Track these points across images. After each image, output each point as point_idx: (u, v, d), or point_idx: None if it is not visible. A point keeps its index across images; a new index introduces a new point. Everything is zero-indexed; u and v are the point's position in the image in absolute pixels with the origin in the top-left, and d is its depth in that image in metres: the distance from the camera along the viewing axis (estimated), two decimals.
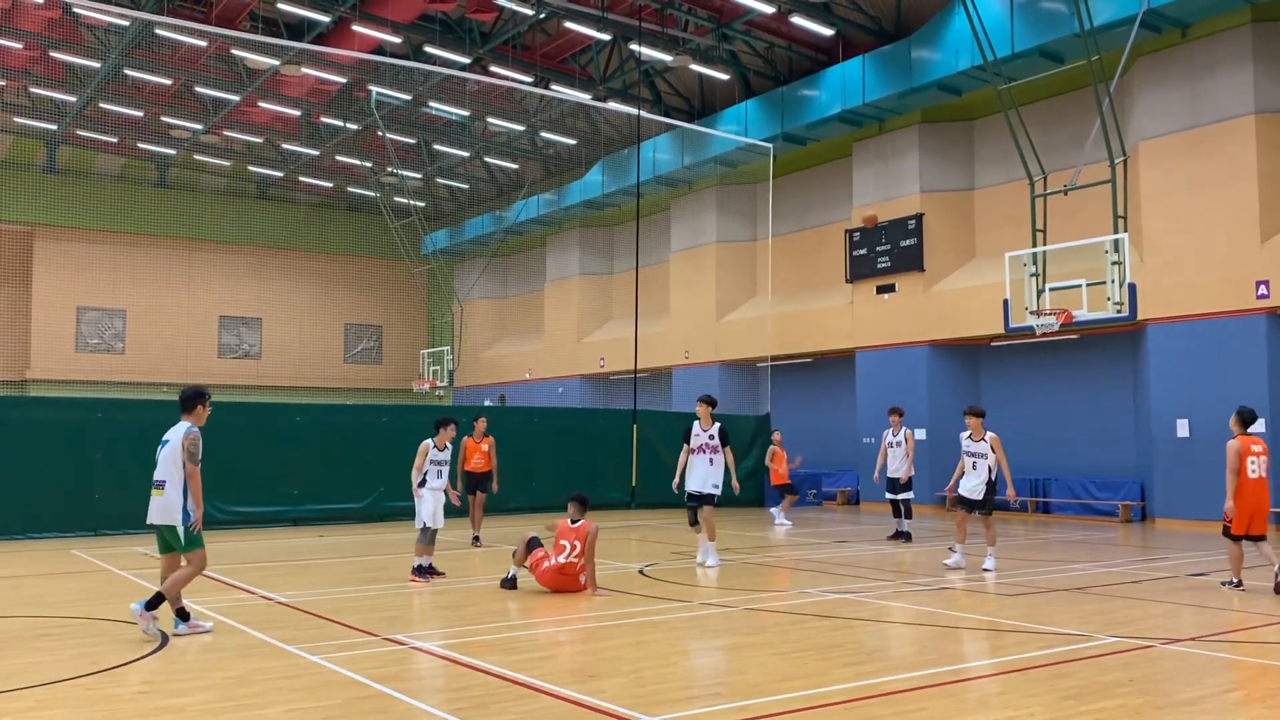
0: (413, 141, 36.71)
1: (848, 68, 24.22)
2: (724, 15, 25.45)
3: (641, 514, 21.70)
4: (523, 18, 25.88)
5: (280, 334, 42.62)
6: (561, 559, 10.24)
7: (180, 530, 8.04)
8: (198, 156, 38.70)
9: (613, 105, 29.33)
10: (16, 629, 8.52)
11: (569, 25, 25.86)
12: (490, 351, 41.73)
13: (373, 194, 38.94)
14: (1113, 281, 16.14)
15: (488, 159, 38.94)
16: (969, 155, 24.36)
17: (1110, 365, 21.79)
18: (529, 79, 28.71)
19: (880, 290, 24.97)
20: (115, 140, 36.11)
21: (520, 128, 33.32)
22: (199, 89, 30.88)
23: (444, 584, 11.21)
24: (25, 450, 16.58)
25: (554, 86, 29.38)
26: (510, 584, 10.62)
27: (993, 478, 12.61)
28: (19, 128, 35.78)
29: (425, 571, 11.24)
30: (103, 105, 32.11)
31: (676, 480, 12.66)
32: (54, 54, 28.38)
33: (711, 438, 12.55)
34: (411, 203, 39.83)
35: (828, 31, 25.02)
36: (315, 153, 37.15)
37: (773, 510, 20.80)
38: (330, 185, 41.58)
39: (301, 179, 40.54)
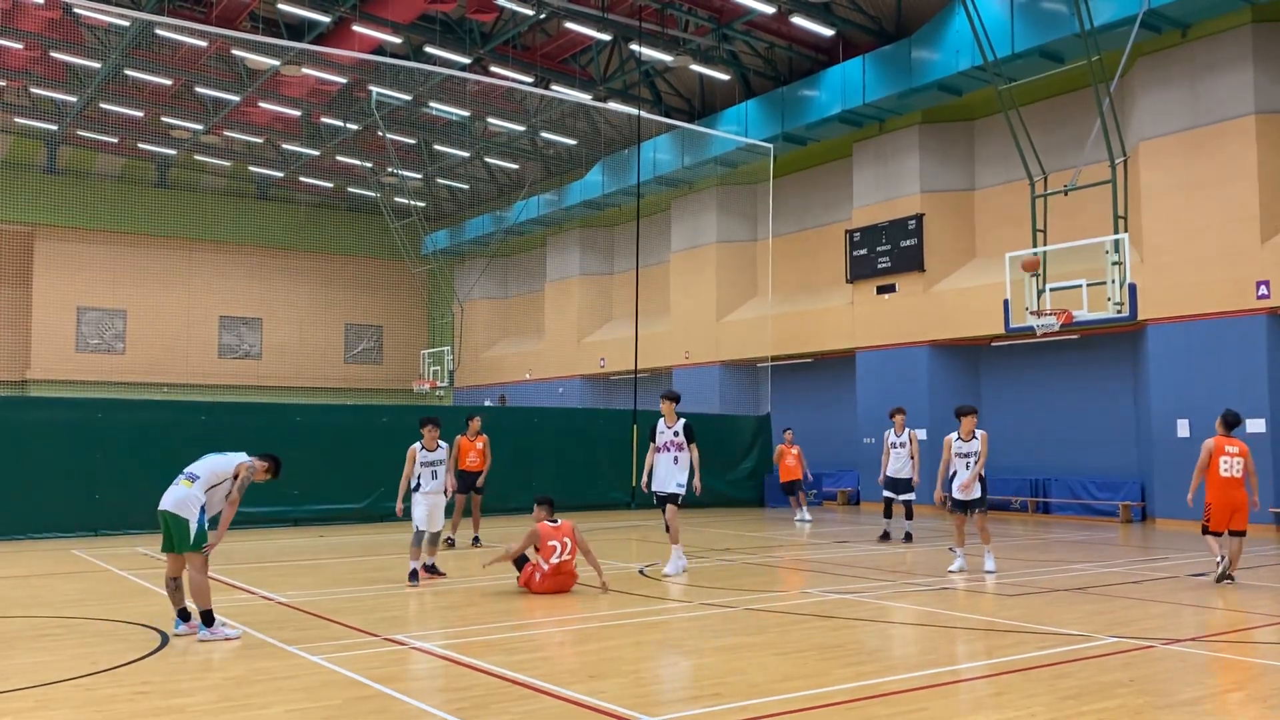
0: (413, 142, 36.71)
1: (848, 68, 24.22)
2: (724, 15, 25.45)
3: (641, 514, 21.69)
4: (523, 18, 25.88)
5: (280, 334, 42.63)
6: (555, 559, 10.24)
7: (192, 528, 7.98)
8: (198, 157, 38.69)
9: (613, 105, 29.33)
10: (16, 629, 8.53)
11: (569, 25, 25.85)
12: (490, 352, 41.73)
13: (373, 194, 38.94)
14: (1113, 281, 16.14)
15: (488, 159, 38.94)
16: (969, 155, 24.36)
17: (1110, 365, 21.79)
18: (529, 79, 28.71)
19: (880, 290, 24.97)
20: (115, 140, 36.10)
21: (520, 128, 33.32)
22: (199, 89, 30.88)
23: (444, 584, 11.22)
24: (25, 450, 16.58)
25: (554, 87, 29.38)
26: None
27: (982, 476, 12.37)
28: (19, 128, 35.77)
29: (429, 570, 11.28)
30: (103, 105, 32.11)
31: (645, 480, 12.21)
32: (54, 54, 28.38)
33: (676, 434, 12.04)
34: (412, 203, 39.84)
35: (828, 32, 25.02)
36: (315, 153, 37.15)
37: (802, 514, 20.62)
38: (330, 185, 41.58)
39: (302, 179, 40.53)
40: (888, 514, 16.21)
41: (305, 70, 28.41)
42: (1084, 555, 14.25)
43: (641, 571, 12.31)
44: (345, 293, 44.25)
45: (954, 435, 12.51)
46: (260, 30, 26.44)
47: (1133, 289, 16.25)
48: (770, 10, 23.60)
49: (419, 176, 40.20)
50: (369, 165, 38.64)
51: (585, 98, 27.97)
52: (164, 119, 33.97)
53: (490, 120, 33.12)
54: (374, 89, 29.99)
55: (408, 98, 30.76)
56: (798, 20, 24.03)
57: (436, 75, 27.63)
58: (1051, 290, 17.14)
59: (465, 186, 42.23)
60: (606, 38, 27.05)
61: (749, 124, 27.04)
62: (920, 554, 14.41)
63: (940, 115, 24.20)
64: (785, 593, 10.65)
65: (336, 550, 14.97)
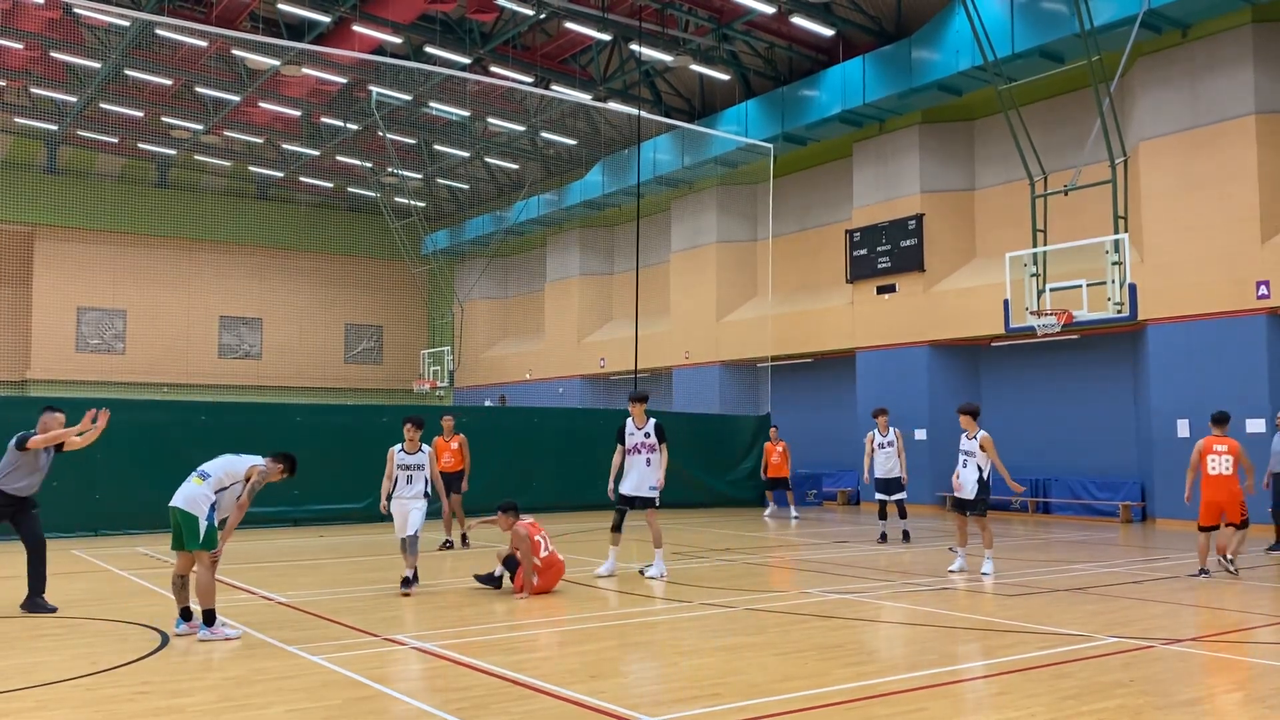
0: (413, 142, 36.72)
1: (848, 68, 24.22)
2: (724, 15, 25.45)
3: (642, 514, 21.65)
4: (523, 18, 25.88)
5: (280, 334, 42.63)
6: (544, 554, 10.32)
7: (201, 526, 7.93)
8: (198, 157, 38.69)
9: (613, 105, 29.33)
10: (16, 629, 8.52)
11: (569, 25, 25.85)
12: (490, 352, 41.74)
13: (373, 194, 38.95)
14: (1113, 282, 16.15)
15: (488, 159, 38.94)
16: (969, 155, 24.36)
17: (1110, 365, 21.79)
18: (529, 79, 28.71)
19: (880, 290, 24.97)
20: (115, 140, 36.10)
21: (520, 128, 33.32)
22: (199, 89, 30.88)
23: (444, 584, 11.20)
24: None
25: (554, 87, 29.38)
26: (491, 581, 10.57)
27: (984, 477, 12.14)
28: (19, 128, 35.76)
29: (407, 582, 10.43)
30: (103, 105, 32.11)
31: (611, 485, 11.70)
32: (54, 54, 28.38)
33: (648, 435, 11.72)
34: (412, 203, 39.84)
35: (828, 32, 25.02)
36: (315, 153, 37.15)
37: (773, 509, 21.01)
38: (330, 185, 41.58)
39: (302, 179, 40.53)
40: (883, 515, 16.12)
41: (305, 70, 28.41)
42: (1084, 555, 14.25)
43: (641, 572, 12.30)
44: (345, 293, 44.25)
45: (965, 432, 12.57)
46: (260, 30, 26.44)
47: (1133, 289, 16.25)
48: (770, 10, 23.60)
49: (419, 176, 40.20)
50: (369, 165, 38.64)
51: (585, 98, 27.97)
52: (164, 119, 33.98)
53: (490, 120, 33.12)
54: (374, 89, 30.00)
55: (408, 98, 30.76)
56: (798, 20, 24.04)
57: (436, 75, 27.63)
58: (1051, 290, 17.14)
59: (465, 186, 42.23)
60: (606, 38, 27.04)
61: (749, 124, 27.04)
62: (920, 554, 14.41)
63: (940, 115, 24.20)
64: (785, 593, 10.65)
65: (336, 550, 14.97)
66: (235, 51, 27.88)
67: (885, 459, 15.94)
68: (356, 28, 25.36)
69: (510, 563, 10.42)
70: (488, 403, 37.01)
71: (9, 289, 37.22)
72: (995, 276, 21.07)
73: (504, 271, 42.36)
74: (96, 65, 28.57)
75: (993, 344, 23.79)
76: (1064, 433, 22.41)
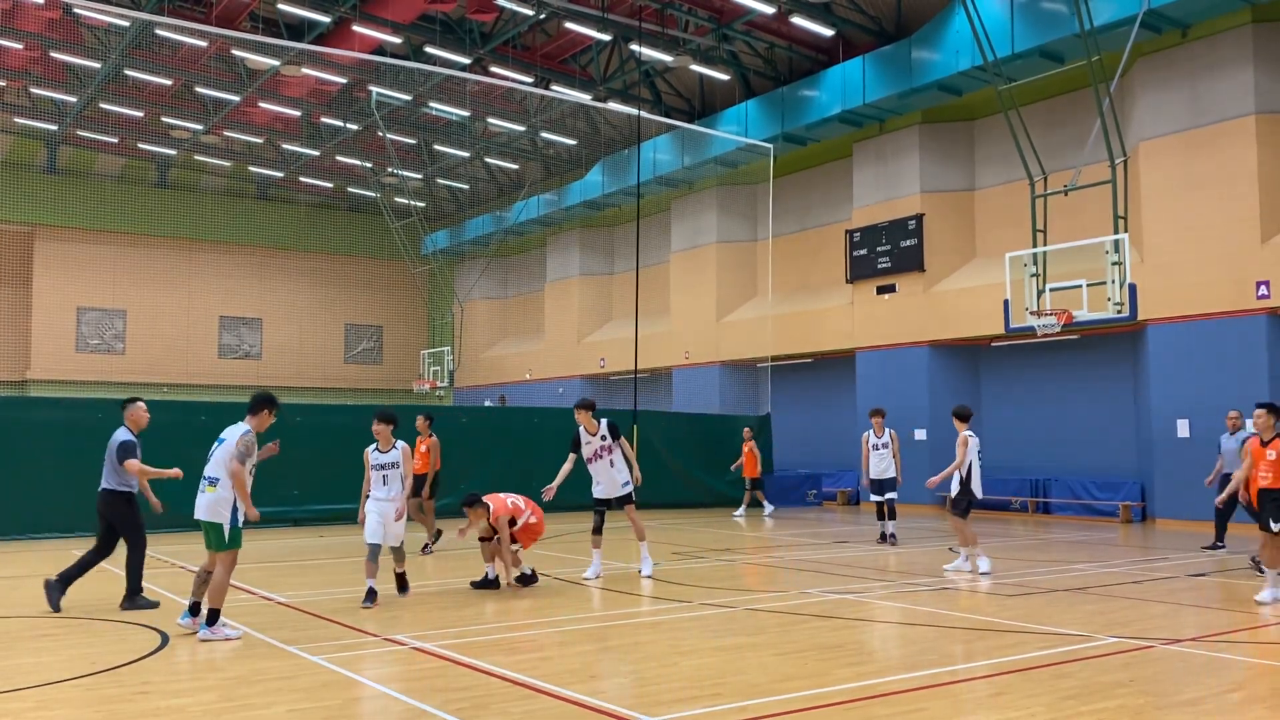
0: (413, 142, 36.72)
1: (848, 68, 24.22)
2: (724, 15, 25.45)
3: (641, 514, 21.65)
4: (523, 18, 25.88)
5: (280, 334, 42.63)
6: (523, 520, 10.76)
7: (226, 529, 8.04)
8: (198, 157, 38.70)
9: (613, 105, 29.33)
10: (16, 629, 8.53)
11: (569, 25, 25.86)
12: (490, 352, 41.73)
13: (373, 194, 38.94)
14: (1113, 282, 16.15)
15: (488, 159, 38.95)
16: (969, 155, 24.37)
17: (1110, 365, 21.79)
18: (529, 79, 28.71)
19: (880, 290, 24.97)
20: (115, 140, 36.10)
21: (520, 128, 33.32)
22: (199, 89, 30.88)
23: (445, 584, 11.20)
24: (25, 450, 16.56)
25: (554, 87, 29.38)
26: (487, 584, 10.63)
27: (964, 476, 12.22)
28: (19, 128, 35.77)
29: (369, 596, 9.54)
30: (103, 105, 32.11)
31: (554, 487, 11.44)
32: (54, 54, 28.38)
33: (604, 439, 11.63)
34: (412, 203, 39.84)
35: (828, 32, 25.02)
36: (315, 153, 37.15)
37: (740, 512, 21.38)
38: (330, 185, 41.58)
39: (302, 179, 40.54)
40: (880, 516, 16.09)
41: (305, 70, 28.41)
42: (1084, 555, 14.25)
43: (639, 572, 12.29)
44: (345, 293, 44.25)
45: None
46: (260, 30, 26.44)
47: (1133, 289, 16.25)
48: (770, 10, 23.60)
49: (419, 176, 40.20)
50: (369, 165, 38.64)
51: (585, 98, 27.96)
52: (164, 119, 33.98)
53: (490, 120, 33.13)
54: (374, 89, 30.00)
55: (408, 98, 30.76)
56: (798, 20, 24.04)
57: (436, 75, 27.63)
58: (1051, 290, 17.14)
59: (465, 186, 42.23)
60: (606, 38, 27.05)
61: (749, 124, 27.04)
62: (920, 554, 14.41)
63: (940, 115, 24.20)
64: (785, 593, 10.65)
65: (336, 550, 14.96)
66: (235, 51, 27.88)
67: (879, 459, 15.88)
68: (356, 28, 25.36)
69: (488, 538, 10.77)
70: (488, 403, 37.01)
71: (9, 289, 37.22)
72: (995, 276, 21.07)
73: (504, 271, 42.35)
74: (96, 65, 28.57)
75: (993, 344, 23.79)
76: (1064, 433, 22.41)
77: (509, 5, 24.53)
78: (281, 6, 24.31)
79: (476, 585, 10.74)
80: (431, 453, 14.57)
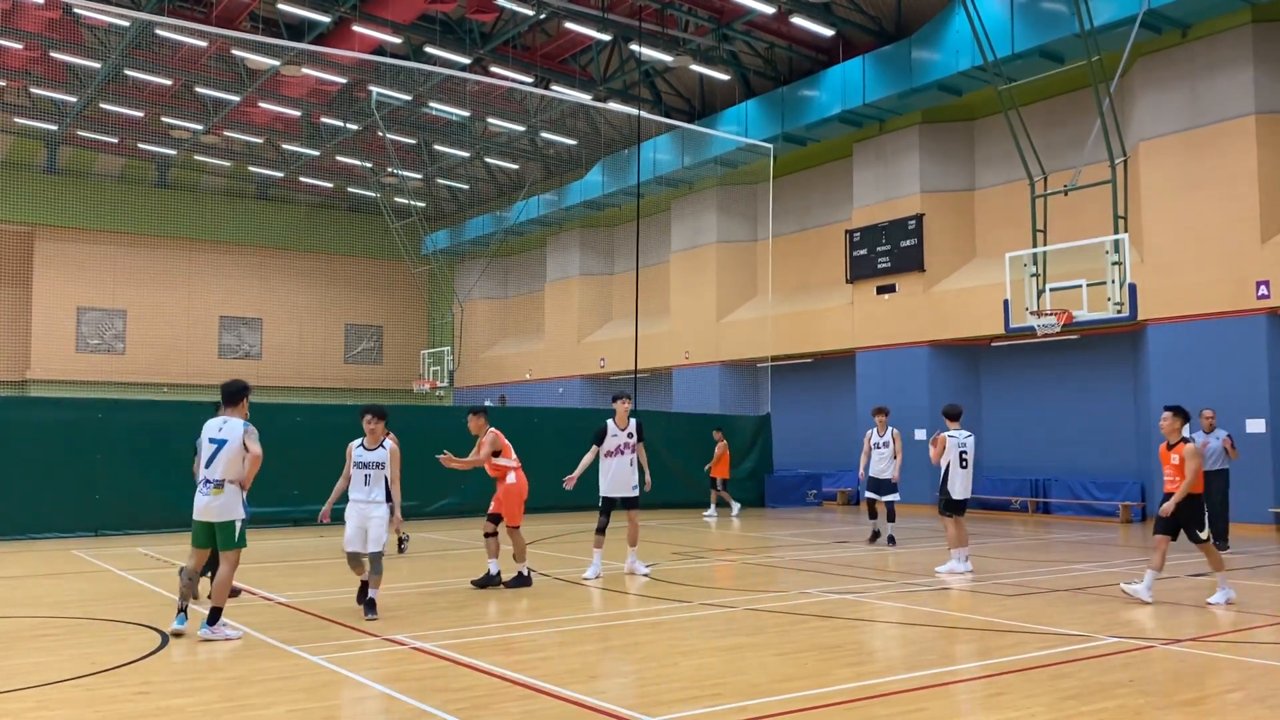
0: (413, 142, 36.71)
1: (848, 68, 24.22)
2: (724, 15, 25.45)
3: (641, 514, 21.66)
4: (523, 18, 25.88)
5: (280, 334, 42.63)
6: (509, 467, 11.09)
7: (238, 527, 8.11)
8: (198, 157, 38.70)
9: (613, 105, 29.33)
10: (16, 629, 8.52)
11: (569, 25, 25.86)
12: (490, 352, 41.73)
13: (373, 194, 38.95)
14: (1113, 282, 16.14)
15: (488, 159, 38.94)
16: (969, 155, 24.37)
17: (1110, 365, 21.79)
18: (529, 79, 28.71)
19: (880, 290, 24.97)
20: (115, 140, 36.11)
21: (520, 128, 33.32)
22: (199, 89, 30.88)
23: (444, 584, 11.19)
24: (25, 450, 16.57)
25: (554, 87, 29.38)
26: (489, 581, 10.66)
27: (941, 477, 12.37)
28: (19, 128, 35.77)
29: (364, 605, 9.04)
30: (103, 105, 32.11)
31: (575, 476, 11.53)
32: (54, 54, 28.39)
33: (631, 435, 11.76)
34: (412, 203, 39.84)
35: (828, 32, 25.02)
36: (315, 153, 37.15)
37: (711, 511, 21.44)
38: (330, 185, 41.58)
39: (302, 179, 40.54)
40: (872, 515, 15.99)
41: (305, 70, 28.41)
42: (1084, 555, 14.25)
43: (641, 573, 12.29)
44: (345, 293, 44.25)
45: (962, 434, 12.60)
46: (260, 30, 26.44)
47: (1133, 289, 16.24)
48: (770, 10, 23.60)
49: (419, 176, 40.20)
50: (369, 165, 38.65)
51: (585, 98, 27.97)
52: (164, 119, 33.99)
53: (490, 120, 33.13)
54: (374, 89, 30.00)
55: (408, 98, 30.76)
56: (798, 20, 24.04)
57: (436, 75, 27.63)
58: (1051, 290, 17.13)
59: (465, 186, 42.23)
60: (606, 38, 27.05)
61: (749, 124, 27.04)
62: (920, 554, 14.41)
63: (940, 115, 24.20)
64: (785, 593, 10.64)
65: (336, 550, 14.94)
66: (235, 51, 27.88)
67: (879, 459, 15.77)
68: (356, 28, 25.37)
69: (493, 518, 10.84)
70: (488, 403, 37.01)
71: (9, 289, 37.22)
72: (995, 276, 21.06)
73: (504, 271, 42.35)
74: (96, 65, 28.58)
75: (993, 344, 23.79)
76: (1064, 432, 22.41)
77: (509, 5, 24.53)
78: (281, 6, 24.31)
79: (478, 584, 10.73)
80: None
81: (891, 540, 15.55)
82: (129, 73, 29.42)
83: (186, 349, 40.27)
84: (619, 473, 11.71)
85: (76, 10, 24.63)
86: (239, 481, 8.13)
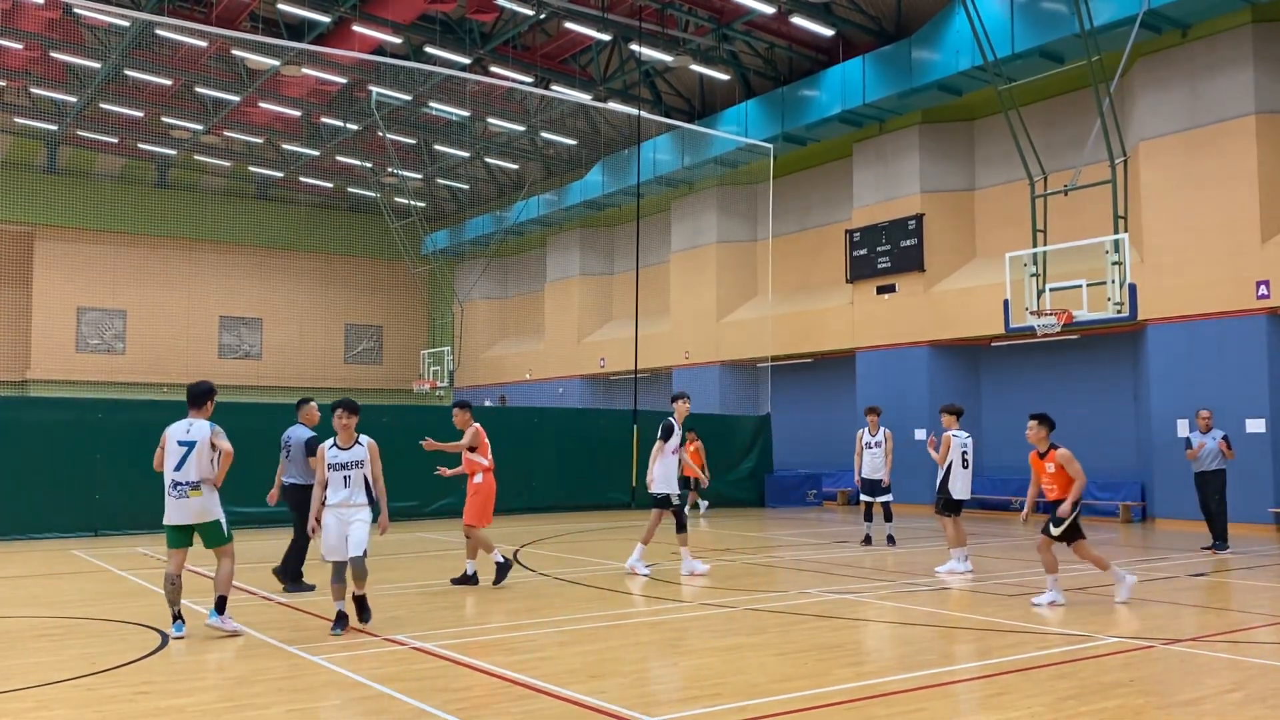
0: (413, 142, 36.71)
1: (848, 68, 24.22)
2: (724, 15, 25.45)
3: (642, 514, 21.64)
4: (523, 18, 25.88)
5: (281, 334, 42.64)
6: (492, 455, 11.01)
7: (223, 524, 8.28)
8: (198, 157, 38.70)
9: (613, 105, 29.33)
10: (16, 629, 8.53)
11: (569, 25, 25.85)
12: (490, 352, 41.73)
13: (373, 194, 38.95)
14: (1113, 282, 16.14)
15: (488, 159, 38.94)
16: (969, 155, 24.36)
17: (1110, 365, 21.79)
18: (529, 79, 28.71)
19: (880, 290, 24.97)
20: (115, 140, 36.11)
21: (520, 128, 33.32)
22: (199, 89, 30.88)
23: (444, 584, 11.19)
24: (25, 450, 16.57)
25: (554, 87, 29.38)
26: (468, 581, 10.71)
27: (942, 477, 12.36)
28: (19, 128, 35.78)
29: (338, 621, 8.27)
30: (103, 106, 32.11)
31: (655, 479, 11.69)
32: (54, 54, 28.39)
33: (683, 437, 11.99)
34: (411, 203, 39.85)
35: (828, 32, 25.02)
36: (315, 153, 37.15)
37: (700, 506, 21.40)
38: (330, 186, 41.58)
39: (302, 179, 40.54)
40: (867, 517, 15.91)
41: (305, 70, 28.41)
42: None
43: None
44: (345, 293, 44.25)
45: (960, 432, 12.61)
46: (260, 30, 26.44)
47: (1132, 289, 16.25)
48: (770, 10, 23.60)
49: (419, 176, 40.20)
50: (369, 165, 38.64)
51: (585, 98, 27.96)
52: (164, 119, 33.98)
53: (490, 120, 33.13)
54: (374, 89, 30.00)
55: (408, 98, 30.76)
56: (798, 20, 24.03)
57: (436, 75, 27.63)
58: (1051, 290, 17.13)
59: (465, 186, 42.23)
60: (606, 38, 27.04)
61: (749, 124, 27.04)
62: (919, 555, 14.40)
63: (940, 115, 24.20)
64: (785, 593, 10.64)
65: None
66: (235, 51, 27.88)
67: (872, 459, 15.65)
68: (356, 28, 25.36)
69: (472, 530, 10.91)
70: (488, 403, 37.01)
71: (9, 289, 37.22)
72: (995, 276, 21.06)
73: (504, 271, 42.35)
74: (96, 65, 28.58)
75: (993, 344, 23.79)
76: (1064, 433, 22.22)
77: (509, 5, 24.52)
78: (281, 6, 24.30)
79: (456, 582, 10.81)
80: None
81: (891, 540, 15.51)
82: (129, 73, 29.41)
83: (186, 349, 40.26)
84: (675, 471, 11.97)
85: (76, 10, 24.63)
86: (211, 480, 8.22)
